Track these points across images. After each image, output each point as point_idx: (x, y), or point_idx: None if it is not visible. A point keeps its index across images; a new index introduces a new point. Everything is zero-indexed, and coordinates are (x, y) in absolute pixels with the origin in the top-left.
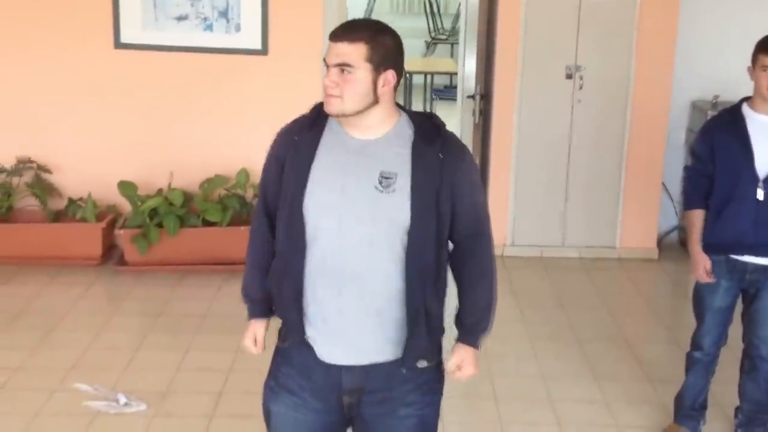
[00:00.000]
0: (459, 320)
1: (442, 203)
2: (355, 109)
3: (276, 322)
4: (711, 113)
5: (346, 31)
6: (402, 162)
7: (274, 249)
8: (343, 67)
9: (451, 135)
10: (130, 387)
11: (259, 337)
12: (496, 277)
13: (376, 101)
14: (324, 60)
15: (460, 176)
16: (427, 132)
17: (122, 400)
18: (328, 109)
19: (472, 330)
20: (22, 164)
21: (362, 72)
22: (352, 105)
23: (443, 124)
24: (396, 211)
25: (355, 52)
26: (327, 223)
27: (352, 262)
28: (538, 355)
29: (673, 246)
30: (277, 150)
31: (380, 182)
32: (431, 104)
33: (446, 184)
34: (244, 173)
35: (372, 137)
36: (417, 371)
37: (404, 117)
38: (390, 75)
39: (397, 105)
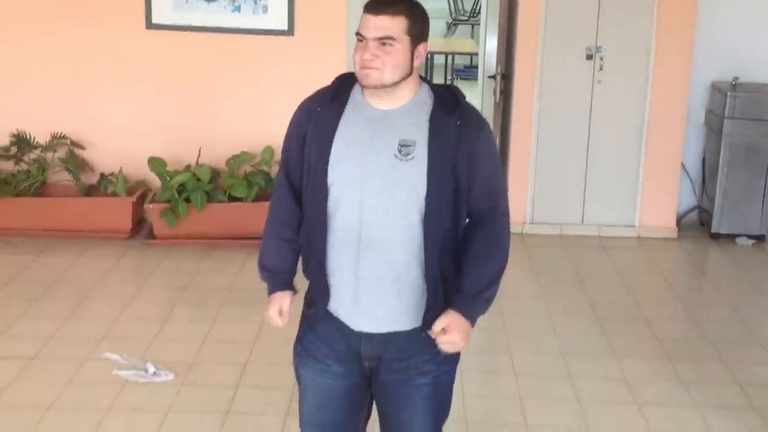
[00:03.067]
0: (459, 289)
1: (458, 171)
2: (393, 80)
3: (301, 291)
4: (731, 94)
5: (387, 5)
6: (420, 130)
7: (298, 219)
8: (385, 40)
9: (470, 106)
10: (159, 357)
11: (285, 308)
12: (507, 254)
13: (410, 73)
14: (358, 33)
15: (478, 147)
16: (447, 102)
17: (151, 369)
18: (367, 81)
19: (468, 301)
20: (56, 140)
21: (402, 45)
22: (392, 77)
23: (463, 96)
24: (414, 178)
25: (397, 25)
26: (349, 194)
27: (371, 230)
28: (558, 332)
29: (692, 225)
30: (299, 121)
31: (399, 150)
32: (452, 83)
33: (463, 153)
34: (269, 150)
35: (393, 107)
36: (433, 341)
37: (425, 87)
38: (422, 48)
39: (419, 76)
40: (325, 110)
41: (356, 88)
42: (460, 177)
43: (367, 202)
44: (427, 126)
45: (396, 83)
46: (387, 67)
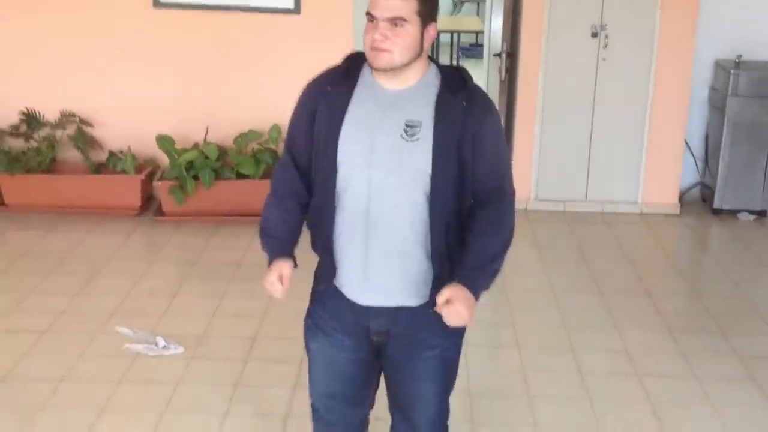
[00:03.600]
0: (462, 263)
1: (464, 152)
2: (403, 62)
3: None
4: (734, 72)
5: None
6: (426, 111)
7: (301, 195)
8: (396, 20)
9: (477, 88)
10: (169, 331)
11: (285, 274)
12: (512, 232)
13: (420, 54)
14: (369, 13)
15: (484, 128)
16: (454, 83)
17: (161, 343)
18: (377, 63)
19: (472, 274)
20: (65, 118)
21: (412, 26)
22: (401, 58)
23: (470, 77)
24: (419, 158)
25: (408, 5)
26: (357, 173)
27: (379, 209)
28: (560, 305)
29: (694, 201)
30: (308, 100)
31: (405, 131)
32: (458, 62)
33: (468, 134)
34: (276, 129)
35: (401, 87)
36: (440, 315)
37: (433, 68)
38: (432, 29)
39: (428, 56)
40: (335, 89)
41: (366, 68)
42: (465, 158)
43: (375, 181)
44: (434, 107)
45: (406, 65)
46: (397, 49)
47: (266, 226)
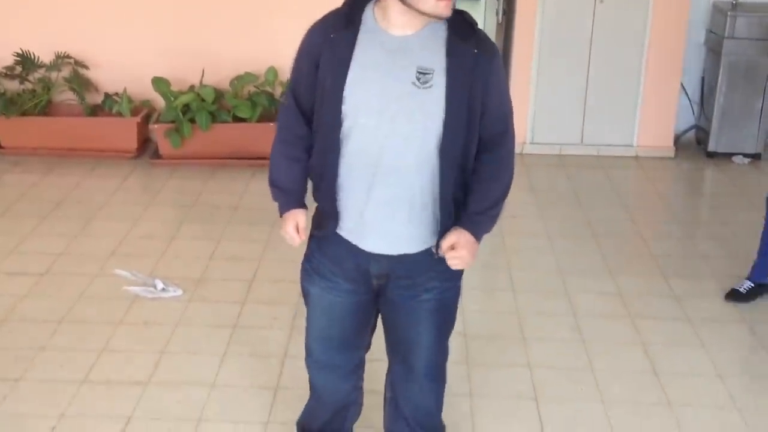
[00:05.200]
0: (465, 208)
1: (474, 99)
2: None
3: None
4: (731, 14)
5: None
6: (438, 58)
7: (306, 140)
8: None
9: (484, 33)
10: (167, 273)
11: (301, 224)
12: (513, 174)
13: None
14: None
15: (493, 75)
16: (461, 28)
17: (159, 285)
18: (447, 11)
19: (475, 219)
20: (60, 59)
21: None
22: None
23: (476, 22)
24: (432, 106)
25: None
26: (365, 120)
27: (386, 156)
28: (555, 249)
29: (689, 145)
30: (311, 47)
31: (418, 78)
32: (455, 3)
33: (479, 81)
34: (272, 71)
35: (408, 33)
36: (440, 259)
37: None
38: None
39: None
40: (339, 35)
41: (368, 13)
42: (474, 104)
43: (385, 128)
44: (444, 54)
45: None
46: None
47: (276, 178)
